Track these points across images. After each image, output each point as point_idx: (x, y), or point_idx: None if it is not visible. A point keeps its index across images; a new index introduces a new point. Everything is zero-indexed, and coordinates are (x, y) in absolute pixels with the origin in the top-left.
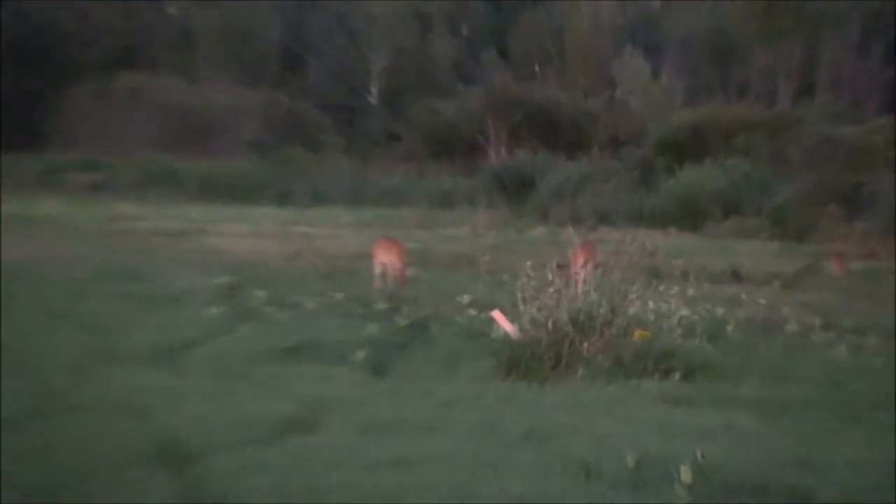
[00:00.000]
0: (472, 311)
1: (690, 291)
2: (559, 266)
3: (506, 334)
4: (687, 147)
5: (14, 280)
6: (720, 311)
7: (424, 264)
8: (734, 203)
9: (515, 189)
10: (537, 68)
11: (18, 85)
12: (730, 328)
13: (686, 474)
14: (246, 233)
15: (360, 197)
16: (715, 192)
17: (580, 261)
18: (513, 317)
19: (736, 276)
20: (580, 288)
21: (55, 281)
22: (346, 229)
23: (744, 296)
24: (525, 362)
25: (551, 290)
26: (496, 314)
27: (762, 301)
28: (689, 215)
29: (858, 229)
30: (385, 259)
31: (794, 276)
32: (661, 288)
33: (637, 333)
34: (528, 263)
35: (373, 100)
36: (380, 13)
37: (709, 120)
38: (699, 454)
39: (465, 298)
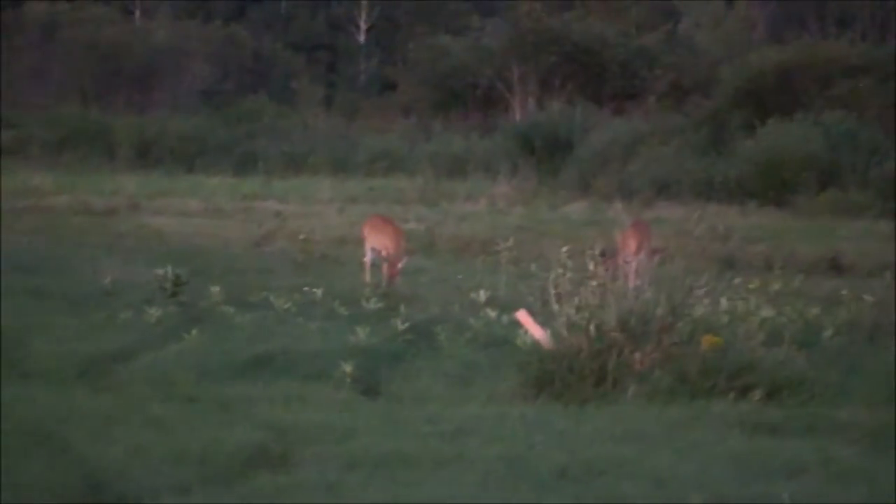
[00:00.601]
0: (491, 312)
1: (775, 286)
2: (604, 254)
3: (535, 342)
4: (771, 97)
5: None
6: (814, 311)
7: (429, 251)
8: (833, 171)
9: (547, 153)
10: None
11: None
12: (827, 334)
13: None
14: (197, 210)
15: (345, 163)
16: (808, 157)
17: (631, 246)
18: (544, 319)
19: (835, 265)
20: (632, 282)
21: None
22: (327, 206)
23: (845, 292)
24: (560, 378)
25: (594, 284)
26: (522, 316)
27: (869, 298)
28: (773, 187)
29: None
30: (378, 243)
31: None
32: (738, 281)
33: (706, 341)
34: (564, 250)
35: (361, 36)
36: None
37: (800, 62)
38: (786, 497)
39: (482, 295)
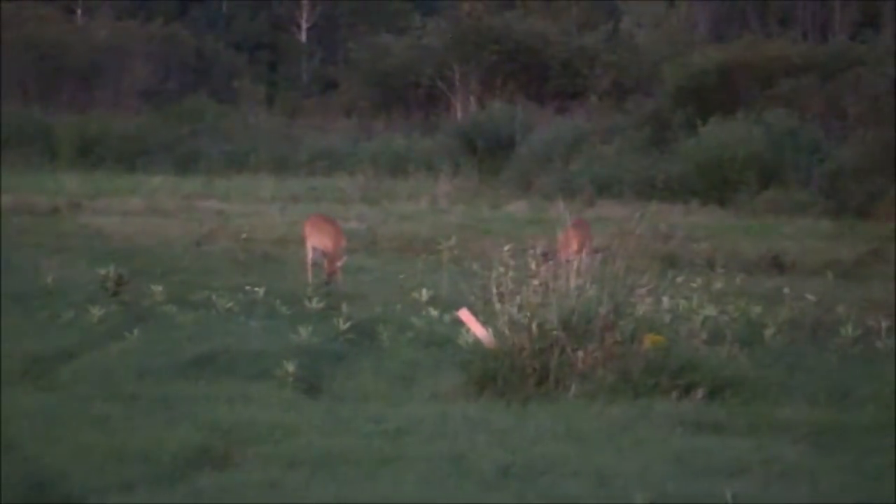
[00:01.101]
0: (434, 311)
1: (718, 285)
2: (546, 254)
3: (477, 341)
4: (713, 96)
5: None
6: (756, 310)
7: (371, 250)
8: (775, 169)
9: (489, 152)
10: None
11: None
12: (769, 332)
13: None
14: (138, 209)
15: (286, 162)
16: (750, 156)
17: (572, 245)
18: (486, 318)
19: (777, 264)
20: (573, 281)
21: None
22: (269, 205)
23: (787, 290)
24: (502, 377)
25: (535, 283)
26: (464, 314)
27: (811, 297)
28: (715, 185)
29: None
30: (319, 242)
31: (854, 265)
32: (680, 280)
33: (648, 339)
34: (506, 249)
35: (302, 36)
36: None
37: (742, 60)
38: (729, 496)
39: (424, 294)
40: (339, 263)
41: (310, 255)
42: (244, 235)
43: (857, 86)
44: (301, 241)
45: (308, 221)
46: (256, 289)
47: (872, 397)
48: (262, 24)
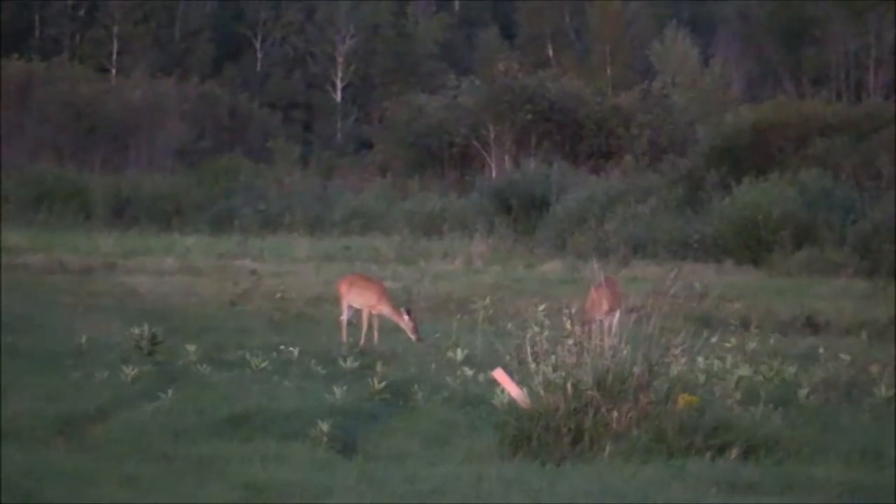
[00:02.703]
0: (468, 371)
1: (752, 345)
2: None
3: (511, 401)
4: (747, 156)
5: None
6: (790, 370)
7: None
8: (809, 229)
9: (523, 211)
10: (551, 53)
11: None
12: (803, 392)
13: None
14: (173, 268)
15: (321, 222)
16: (784, 215)
17: (602, 305)
18: (520, 378)
19: (811, 324)
20: (608, 341)
21: None
22: (303, 264)
23: (822, 350)
24: (537, 437)
25: (570, 343)
26: (498, 374)
27: (845, 357)
28: (749, 245)
29: None
30: (360, 301)
31: (888, 325)
32: (714, 340)
33: (682, 399)
34: (541, 308)
35: (337, 95)
36: None
37: (775, 120)
38: None
39: (459, 354)
40: (407, 318)
41: (346, 314)
42: (278, 295)
43: (891, 145)
44: (336, 301)
45: (345, 280)
46: (291, 348)
47: None
48: (296, 82)
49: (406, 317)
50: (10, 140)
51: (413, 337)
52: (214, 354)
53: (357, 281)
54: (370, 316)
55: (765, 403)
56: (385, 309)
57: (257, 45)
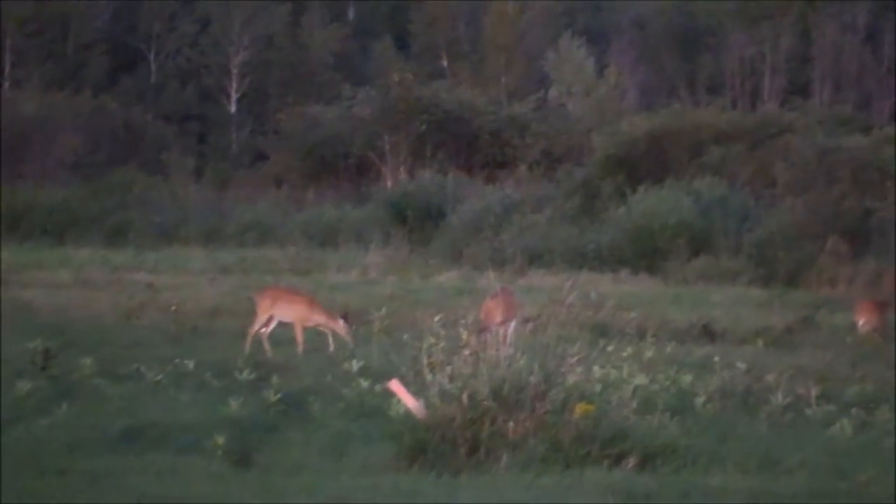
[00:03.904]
0: (364, 382)
1: (648, 353)
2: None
3: (408, 412)
4: (643, 164)
5: None
6: (687, 378)
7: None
8: (705, 237)
9: (419, 222)
10: (446, 63)
11: None
12: (699, 401)
13: None
14: (68, 282)
15: (216, 234)
16: (679, 224)
17: (498, 315)
18: (417, 389)
19: (707, 332)
20: (504, 351)
21: None
22: (199, 276)
23: (717, 358)
24: (433, 448)
25: (466, 353)
26: (394, 385)
27: (741, 365)
28: (645, 254)
29: (867, 270)
30: (289, 314)
31: (784, 333)
32: (611, 349)
33: (579, 409)
34: (436, 319)
35: (231, 107)
36: None
37: (671, 128)
38: None
39: (355, 365)
40: (341, 324)
41: (264, 327)
42: (174, 307)
43: (787, 153)
44: (239, 313)
45: (267, 293)
46: (186, 361)
47: (802, 465)
48: (191, 94)
49: (342, 322)
50: None
51: (349, 340)
52: (110, 368)
53: (283, 295)
54: (302, 328)
55: (661, 412)
56: (320, 318)
57: (151, 58)
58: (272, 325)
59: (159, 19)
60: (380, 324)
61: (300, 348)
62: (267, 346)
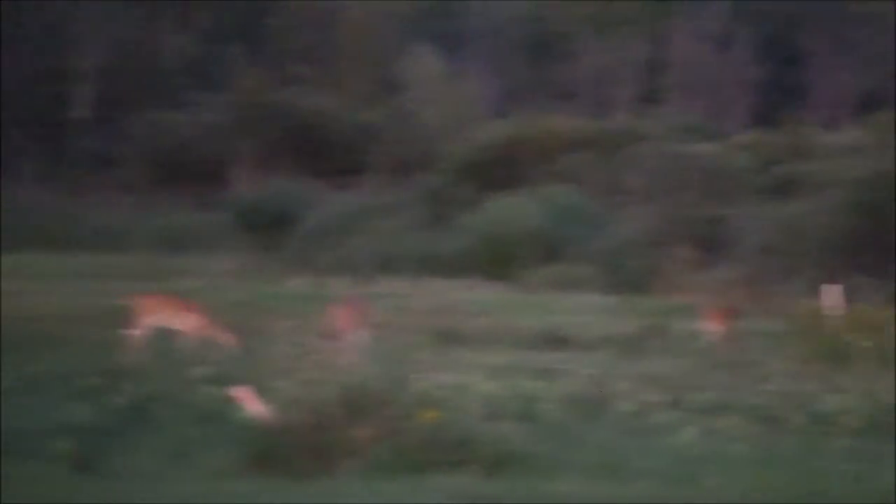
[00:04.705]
0: (212, 388)
1: (496, 360)
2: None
3: (254, 417)
4: (495, 172)
5: None
6: (534, 385)
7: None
8: (555, 244)
9: (270, 228)
10: (299, 69)
11: None
12: (547, 407)
13: None
14: None
15: (65, 240)
16: (529, 231)
17: (347, 321)
18: (264, 395)
19: (556, 339)
20: (352, 357)
21: None
22: (45, 282)
23: (566, 365)
24: (279, 453)
25: (314, 359)
26: (241, 391)
27: (590, 372)
28: (496, 261)
29: (717, 278)
30: (177, 323)
31: (632, 339)
32: (459, 355)
33: (425, 415)
34: (286, 325)
35: (82, 112)
36: None
37: (523, 136)
38: None
39: (201, 371)
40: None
41: (141, 333)
42: (24, 313)
43: (638, 161)
44: (95, 319)
45: (150, 301)
46: (30, 367)
47: (647, 471)
48: (41, 100)
49: (222, 331)
50: None
51: (228, 350)
52: None
53: (168, 303)
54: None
55: (508, 418)
56: (203, 327)
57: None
58: (142, 331)
59: (9, 24)
60: (230, 329)
61: (147, 354)
62: (129, 351)
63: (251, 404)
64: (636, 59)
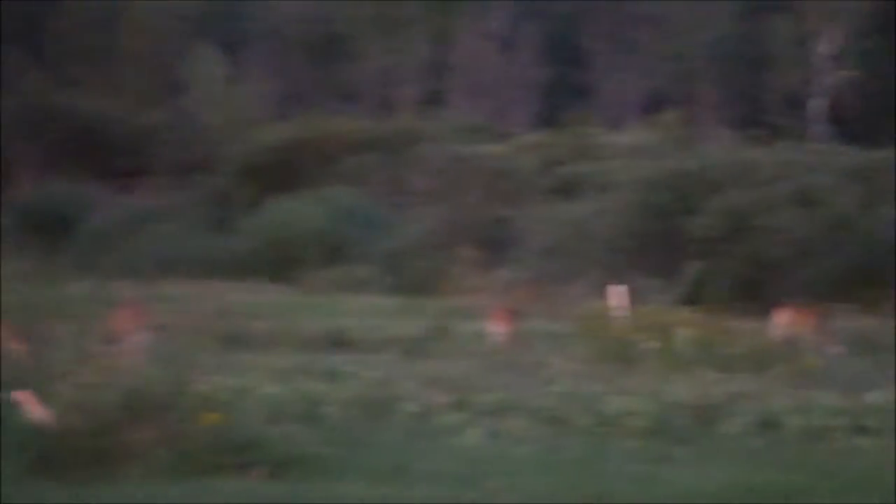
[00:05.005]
0: None
1: (279, 362)
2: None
3: (35, 422)
4: (277, 174)
5: None
6: (319, 387)
7: None
8: (339, 246)
9: (51, 230)
10: (81, 71)
11: None
12: (331, 409)
13: None
14: None
15: None
16: (313, 232)
17: (128, 324)
18: (45, 399)
19: (339, 341)
20: (134, 360)
21: None
22: None
23: (350, 367)
24: (60, 458)
25: (95, 362)
26: (21, 395)
27: (374, 374)
28: (280, 263)
29: (502, 279)
30: None
31: (416, 341)
32: (242, 358)
33: (209, 418)
34: (68, 329)
35: None
36: None
37: (306, 137)
38: None
39: None
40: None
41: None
42: None
43: (421, 162)
44: None
45: None
46: None
47: (432, 473)
48: None
49: None
50: None
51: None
52: None
53: None
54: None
55: (292, 421)
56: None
57: None
58: None
59: None
60: (9, 332)
61: None
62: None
63: (32, 409)
64: (420, 60)
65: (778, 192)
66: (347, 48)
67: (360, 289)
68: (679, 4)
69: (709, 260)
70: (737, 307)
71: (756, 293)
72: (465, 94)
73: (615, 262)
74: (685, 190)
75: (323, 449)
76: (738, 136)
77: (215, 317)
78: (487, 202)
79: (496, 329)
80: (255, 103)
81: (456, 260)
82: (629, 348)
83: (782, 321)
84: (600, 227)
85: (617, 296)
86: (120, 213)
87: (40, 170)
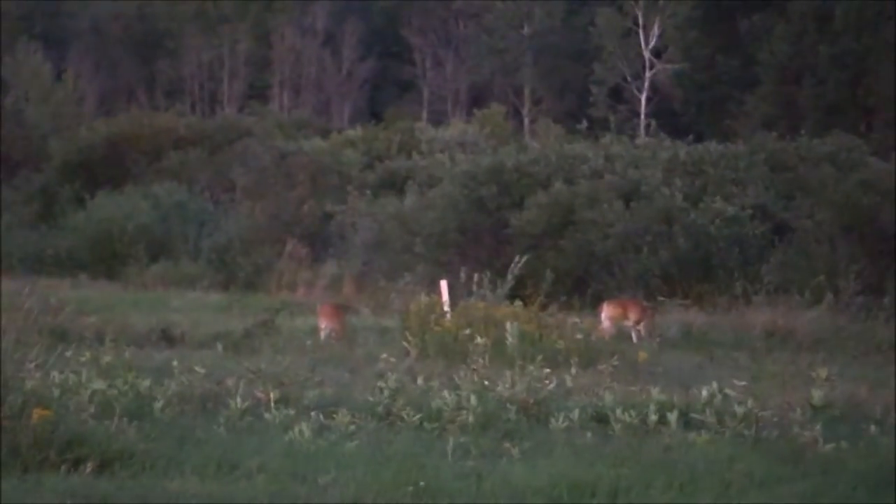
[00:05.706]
0: None
1: (106, 358)
2: None
3: None
4: (102, 170)
5: None
6: (146, 383)
7: None
8: (164, 242)
9: None
10: None
11: None
12: (158, 405)
13: None
14: None
15: None
16: (138, 228)
17: None
18: None
19: (167, 337)
20: None
21: None
22: None
23: (177, 363)
24: None
25: None
26: None
27: (201, 370)
28: (104, 259)
29: (329, 274)
30: None
31: (243, 337)
32: (69, 354)
33: (37, 414)
34: None
35: None
36: None
37: (130, 133)
38: None
39: None
40: None
41: None
42: None
43: (245, 158)
44: None
45: None
46: None
47: (262, 469)
48: None
49: None
50: None
51: None
52: None
53: None
54: None
55: (120, 417)
56: None
57: None
58: None
59: None
60: None
61: None
62: None
63: None
64: (243, 55)
65: (603, 186)
66: (171, 45)
67: (186, 285)
68: None
69: (535, 254)
70: (565, 302)
71: (584, 287)
72: (288, 89)
73: (443, 256)
74: (509, 184)
75: (150, 444)
76: (564, 129)
77: (41, 313)
78: (312, 197)
79: (323, 324)
80: (79, 100)
81: (282, 256)
82: (458, 343)
83: (610, 315)
84: (426, 221)
85: (445, 290)
86: None
87: None
